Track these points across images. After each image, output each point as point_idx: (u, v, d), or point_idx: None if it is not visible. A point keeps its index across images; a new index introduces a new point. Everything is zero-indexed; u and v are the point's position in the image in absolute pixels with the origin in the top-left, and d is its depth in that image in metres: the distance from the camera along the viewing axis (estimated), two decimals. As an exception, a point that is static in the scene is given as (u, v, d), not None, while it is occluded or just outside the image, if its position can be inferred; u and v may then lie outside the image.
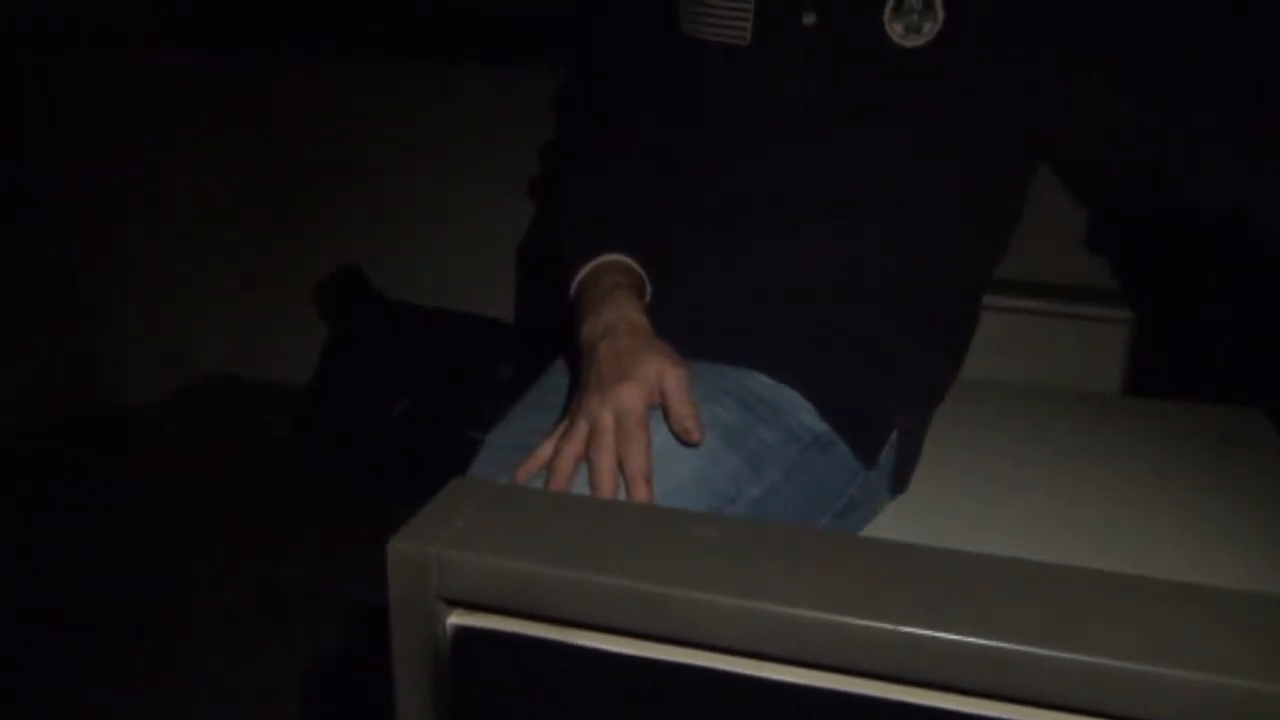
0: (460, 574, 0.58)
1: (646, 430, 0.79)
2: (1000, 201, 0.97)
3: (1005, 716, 0.53)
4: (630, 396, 0.79)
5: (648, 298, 0.95)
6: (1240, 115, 0.80)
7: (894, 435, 0.94)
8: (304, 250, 2.46)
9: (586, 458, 0.79)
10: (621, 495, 0.78)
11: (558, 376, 1.02)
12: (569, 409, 0.85)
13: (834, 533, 0.77)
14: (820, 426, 0.90)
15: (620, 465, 0.78)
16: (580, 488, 0.79)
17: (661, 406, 0.82)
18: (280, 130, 2.42)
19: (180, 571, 1.87)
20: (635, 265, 0.95)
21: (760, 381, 0.90)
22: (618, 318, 0.87)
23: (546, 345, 1.04)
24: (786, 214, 0.93)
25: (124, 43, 2.29)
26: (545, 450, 0.82)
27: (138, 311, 2.42)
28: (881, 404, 0.94)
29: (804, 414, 0.90)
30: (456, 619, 0.59)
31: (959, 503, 1.00)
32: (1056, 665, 0.51)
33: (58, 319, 2.33)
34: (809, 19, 0.91)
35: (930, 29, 0.86)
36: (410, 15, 2.31)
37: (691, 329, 0.93)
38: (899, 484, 0.97)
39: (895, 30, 0.87)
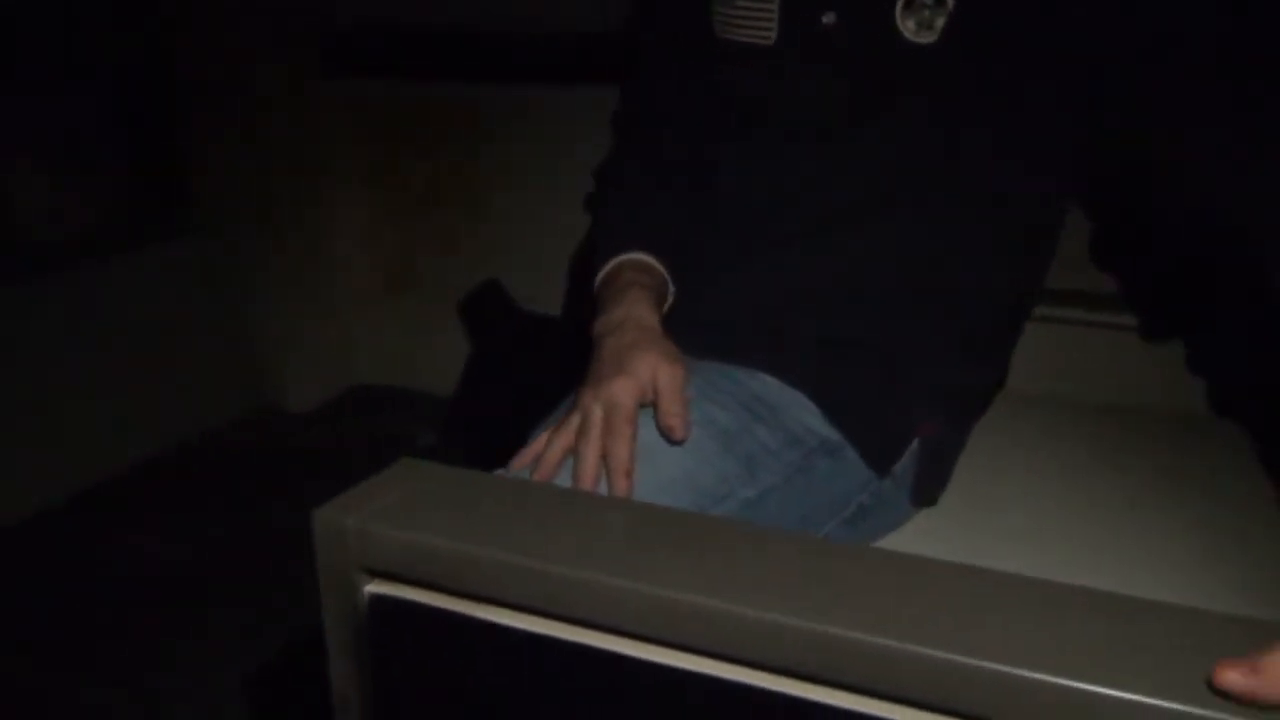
0: (376, 545, 0.61)
1: (633, 425, 0.80)
2: (1029, 204, 0.93)
3: (876, 714, 0.52)
4: (621, 391, 0.81)
5: (670, 297, 0.97)
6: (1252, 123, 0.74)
7: (914, 445, 0.92)
8: (450, 268, 2.59)
9: (574, 449, 0.81)
10: (604, 487, 0.80)
11: None
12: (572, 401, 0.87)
13: (750, 526, 0.76)
14: (828, 431, 0.89)
15: (604, 458, 0.80)
16: (567, 478, 0.81)
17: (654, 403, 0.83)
18: (425, 155, 2.56)
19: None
20: (657, 265, 0.96)
21: (765, 383, 0.89)
22: (626, 315, 0.89)
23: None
24: (804, 216, 0.93)
25: (284, 72, 2.49)
26: (540, 442, 0.85)
27: (299, 327, 2.61)
28: (897, 412, 0.91)
29: (810, 417, 0.89)
30: (374, 588, 0.62)
31: (990, 518, 0.96)
32: (915, 661, 0.49)
33: (228, 334, 2.55)
34: (828, 18, 0.90)
35: (942, 24, 0.84)
36: (546, 43, 2.41)
37: (707, 329, 0.94)
38: (922, 496, 0.94)
39: (908, 27, 0.85)
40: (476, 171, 2.53)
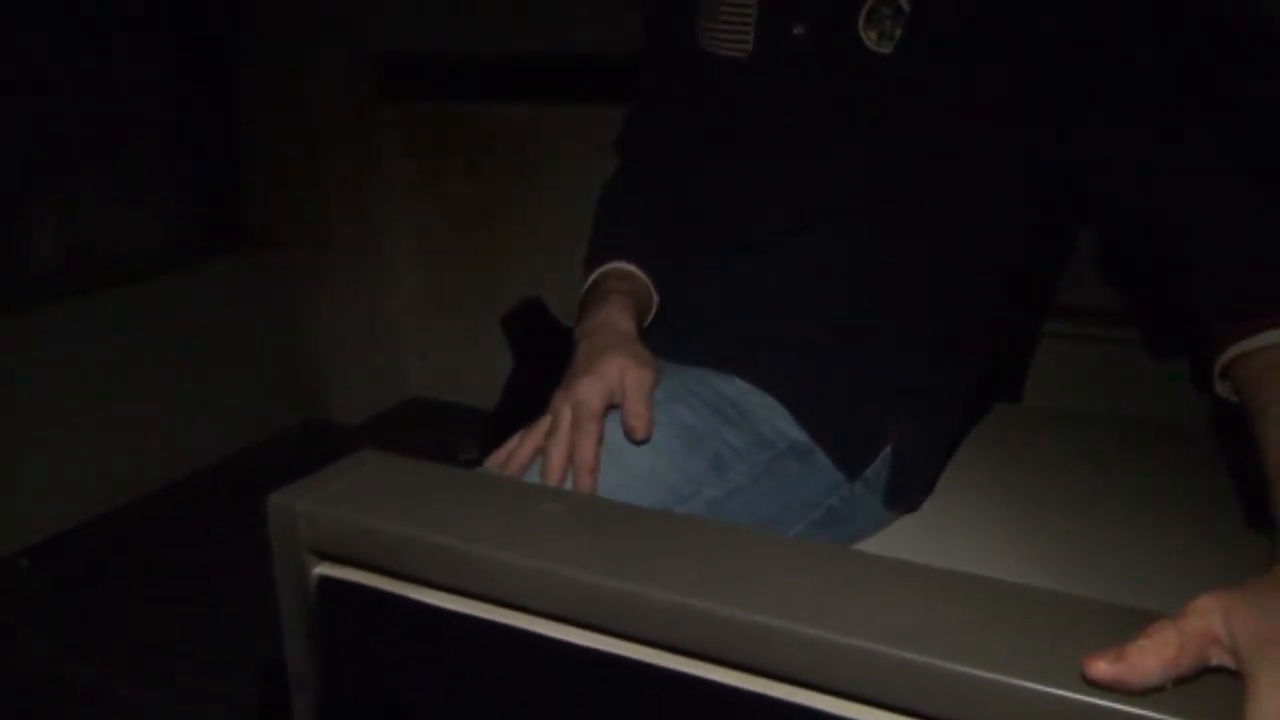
0: (323, 529, 0.65)
1: (599, 423, 0.83)
2: (1002, 209, 0.93)
3: (781, 696, 0.54)
4: (588, 391, 0.84)
5: (654, 305, 0.99)
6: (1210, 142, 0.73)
7: (887, 449, 0.93)
8: (497, 284, 2.64)
9: (544, 448, 0.84)
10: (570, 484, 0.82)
11: None
12: None
13: (690, 519, 0.78)
14: (798, 434, 0.90)
15: (571, 456, 0.82)
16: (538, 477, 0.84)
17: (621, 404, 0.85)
18: (475, 175, 2.63)
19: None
20: (640, 274, 0.99)
21: (737, 386, 0.91)
22: (603, 320, 0.92)
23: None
24: (778, 221, 0.94)
25: (340, 95, 2.57)
26: (513, 441, 0.88)
27: (350, 341, 2.70)
28: (868, 416, 0.92)
29: (780, 420, 0.90)
30: (322, 569, 0.66)
31: (970, 525, 0.96)
32: (816, 643, 0.51)
33: (281, 348, 2.63)
34: (798, 29, 0.92)
35: (900, 34, 0.86)
36: (594, 65, 2.46)
37: (683, 333, 0.97)
38: (896, 500, 0.94)
39: (870, 37, 0.87)
40: (525, 191, 2.59)
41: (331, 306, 2.66)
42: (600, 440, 0.83)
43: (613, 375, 0.85)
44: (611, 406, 0.85)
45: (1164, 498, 1.01)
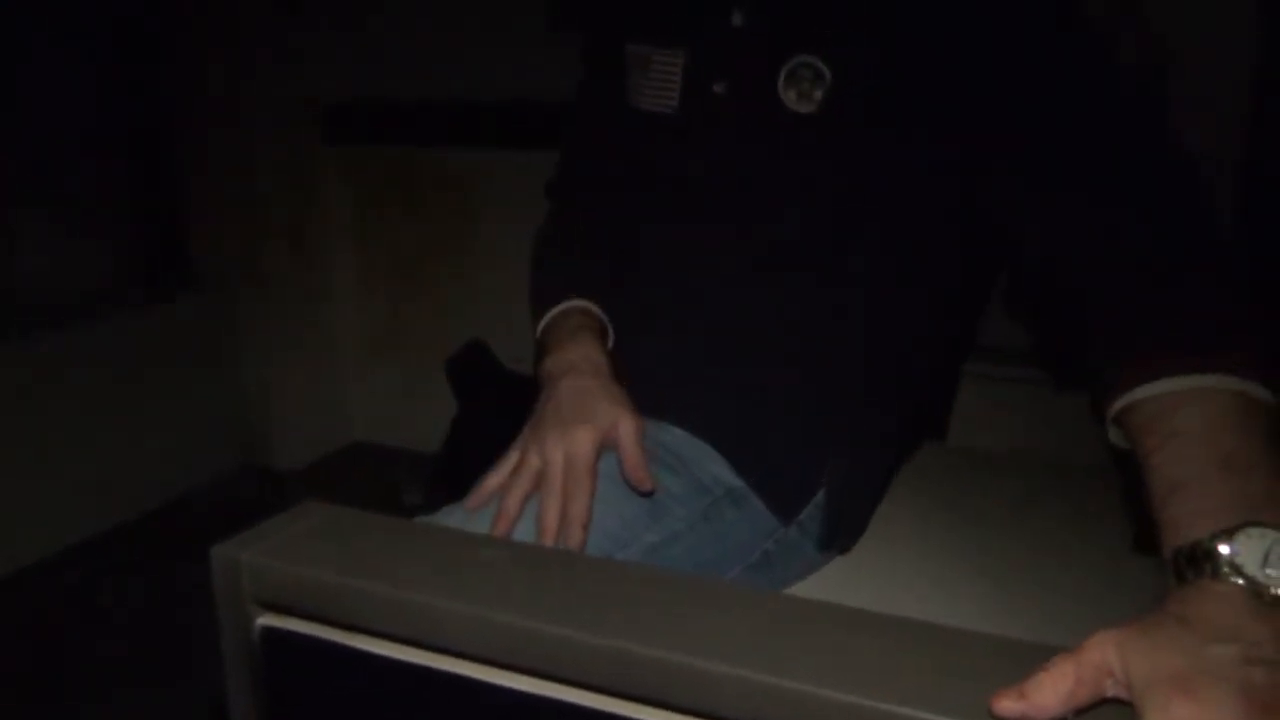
0: (266, 579, 0.66)
1: (593, 477, 0.84)
2: (929, 259, 0.97)
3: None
4: (583, 441, 0.84)
5: (610, 344, 1.01)
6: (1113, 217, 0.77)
7: (820, 495, 0.96)
8: (438, 328, 2.66)
9: (539, 497, 0.84)
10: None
11: None
12: (522, 435, 0.90)
13: (615, 564, 0.80)
14: (734, 480, 0.93)
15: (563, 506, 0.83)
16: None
17: (616, 454, 0.87)
18: (415, 218, 2.65)
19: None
20: (599, 312, 1.01)
21: (674, 434, 0.94)
22: (582, 356, 0.93)
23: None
24: (707, 275, 0.98)
25: (279, 140, 2.58)
26: (493, 481, 0.87)
27: (291, 386, 2.69)
28: (802, 461, 0.95)
29: (717, 467, 0.93)
30: (266, 620, 0.67)
31: (901, 566, 0.99)
32: (747, 684, 0.53)
33: (221, 393, 2.62)
34: (719, 87, 0.96)
35: (820, 95, 0.90)
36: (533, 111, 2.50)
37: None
38: (829, 543, 0.97)
39: (789, 97, 0.91)
40: (466, 234, 2.61)
41: (273, 350, 2.66)
42: (593, 495, 0.84)
43: (605, 422, 0.86)
44: None
45: (1083, 535, 1.06)
